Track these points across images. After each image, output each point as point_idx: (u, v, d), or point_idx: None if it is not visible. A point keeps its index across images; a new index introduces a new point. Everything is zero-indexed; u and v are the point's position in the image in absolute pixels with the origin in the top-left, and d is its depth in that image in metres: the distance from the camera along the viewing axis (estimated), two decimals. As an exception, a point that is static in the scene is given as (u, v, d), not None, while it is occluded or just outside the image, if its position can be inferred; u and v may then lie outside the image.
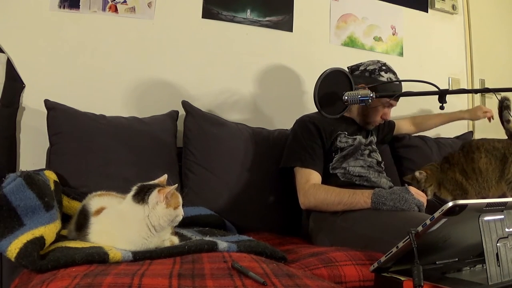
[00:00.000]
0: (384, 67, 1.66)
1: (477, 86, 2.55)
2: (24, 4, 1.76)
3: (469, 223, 0.88)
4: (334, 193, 1.46)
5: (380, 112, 1.67)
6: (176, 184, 1.06)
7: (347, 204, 1.43)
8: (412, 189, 1.40)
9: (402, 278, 0.94)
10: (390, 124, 1.98)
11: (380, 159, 1.70)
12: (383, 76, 1.62)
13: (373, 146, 1.69)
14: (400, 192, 1.38)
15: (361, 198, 1.41)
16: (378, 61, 1.68)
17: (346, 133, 1.64)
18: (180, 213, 1.06)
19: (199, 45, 2.01)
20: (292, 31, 2.17)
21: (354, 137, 1.64)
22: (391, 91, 1.59)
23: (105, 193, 1.19)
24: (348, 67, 1.71)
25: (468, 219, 0.87)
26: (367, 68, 1.66)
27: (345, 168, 1.58)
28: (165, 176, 1.13)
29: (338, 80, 1.45)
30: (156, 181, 1.11)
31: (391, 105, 1.69)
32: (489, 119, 2.03)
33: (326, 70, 1.50)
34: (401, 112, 2.21)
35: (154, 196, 1.02)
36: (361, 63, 1.70)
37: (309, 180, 1.52)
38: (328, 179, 1.57)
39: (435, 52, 2.49)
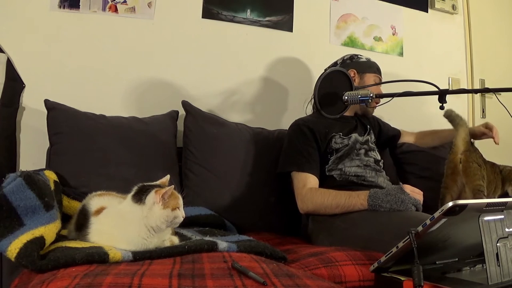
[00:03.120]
0: (357, 54, 1.82)
1: (477, 86, 2.55)
2: (24, 4, 1.77)
3: (469, 223, 0.88)
4: (330, 197, 1.45)
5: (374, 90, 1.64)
6: (173, 185, 1.05)
7: (344, 207, 1.43)
8: (408, 188, 1.39)
9: (402, 278, 0.94)
10: (395, 131, 1.95)
11: (378, 157, 1.70)
12: (362, 58, 1.78)
13: (370, 145, 1.69)
14: (396, 193, 1.37)
15: (358, 200, 1.40)
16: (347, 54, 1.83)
17: (341, 133, 1.64)
18: (179, 214, 1.05)
19: (199, 45, 2.01)
20: (292, 31, 2.17)
21: (349, 136, 1.64)
22: (374, 68, 1.77)
23: (105, 193, 1.19)
24: (326, 69, 1.71)
25: (468, 219, 0.87)
26: (345, 57, 1.80)
27: (341, 169, 1.58)
28: (168, 177, 1.13)
29: (338, 80, 1.45)
30: (158, 182, 1.10)
31: (380, 80, 1.78)
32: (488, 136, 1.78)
33: (326, 70, 1.51)
34: (401, 111, 2.21)
35: (151, 196, 1.02)
36: (334, 61, 1.83)
37: (306, 185, 1.52)
38: (325, 181, 1.57)
39: (435, 52, 2.49)
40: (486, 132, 1.74)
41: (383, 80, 1.76)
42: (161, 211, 1.01)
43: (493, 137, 1.72)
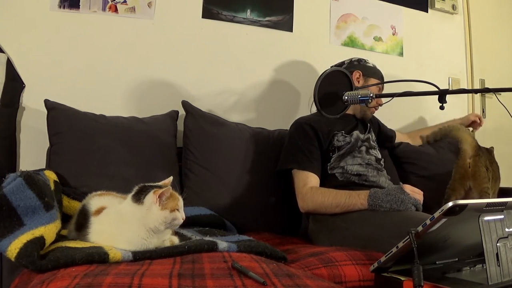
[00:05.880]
0: (364, 58, 1.82)
1: (477, 86, 2.55)
2: (24, 4, 1.76)
3: (469, 223, 0.88)
4: (331, 196, 1.46)
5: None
6: (169, 187, 1.04)
7: (344, 206, 1.43)
8: (408, 188, 1.39)
9: (402, 278, 0.94)
10: (392, 132, 1.98)
11: (379, 156, 1.70)
12: (369, 63, 1.80)
13: (371, 142, 1.69)
14: (396, 193, 1.37)
15: (358, 200, 1.41)
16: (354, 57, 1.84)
17: (343, 131, 1.65)
18: (178, 216, 1.03)
19: (199, 45, 2.01)
20: (292, 31, 2.17)
21: (351, 133, 1.65)
22: (379, 74, 1.78)
23: (106, 193, 1.19)
24: (332, 66, 1.73)
25: (468, 219, 0.87)
26: (353, 59, 1.80)
27: (343, 167, 1.58)
28: (171, 178, 1.12)
29: (338, 80, 1.45)
30: (160, 183, 1.10)
31: (383, 88, 1.79)
32: (478, 125, 2.04)
33: (326, 70, 1.51)
34: (401, 111, 2.21)
35: (149, 197, 1.01)
36: (341, 61, 1.83)
37: (306, 184, 1.52)
38: (326, 179, 1.57)
39: (435, 52, 2.49)
40: (475, 119, 1.94)
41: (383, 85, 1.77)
42: (159, 212, 1.01)
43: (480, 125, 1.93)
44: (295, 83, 2.16)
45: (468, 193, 1.67)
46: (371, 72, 1.76)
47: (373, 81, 1.75)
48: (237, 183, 1.68)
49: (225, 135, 1.75)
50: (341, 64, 1.81)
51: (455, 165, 1.73)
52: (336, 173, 1.59)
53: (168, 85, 1.94)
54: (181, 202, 1.06)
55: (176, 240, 1.12)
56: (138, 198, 1.02)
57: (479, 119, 2.04)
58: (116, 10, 1.89)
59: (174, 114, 1.81)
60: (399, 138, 2.02)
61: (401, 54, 2.41)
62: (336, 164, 1.59)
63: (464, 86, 2.54)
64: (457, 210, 0.83)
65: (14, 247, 0.90)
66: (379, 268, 0.99)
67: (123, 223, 1.03)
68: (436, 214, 0.84)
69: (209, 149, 1.71)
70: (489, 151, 1.76)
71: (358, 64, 1.77)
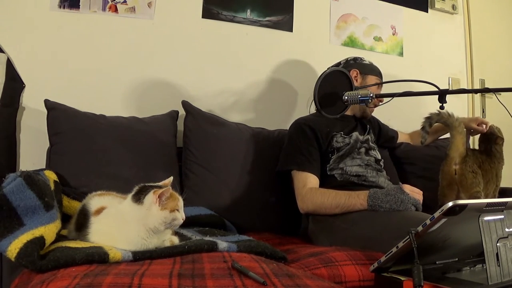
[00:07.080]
0: (360, 56, 1.82)
1: (477, 86, 2.55)
2: (24, 4, 1.76)
3: (469, 223, 0.88)
4: (330, 197, 1.46)
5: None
6: (169, 187, 1.04)
7: (344, 207, 1.43)
8: (407, 188, 1.39)
9: (402, 278, 0.94)
10: (393, 132, 1.98)
11: (379, 157, 1.70)
12: (365, 61, 1.80)
13: (370, 144, 1.69)
14: (395, 193, 1.37)
15: (357, 200, 1.41)
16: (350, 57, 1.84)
17: (342, 132, 1.65)
18: (178, 217, 1.03)
19: (199, 45, 2.01)
20: (292, 31, 2.17)
21: (350, 135, 1.65)
22: (376, 71, 1.78)
23: (106, 193, 1.19)
24: (329, 67, 1.72)
25: (468, 219, 0.87)
26: (349, 58, 1.80)
27: (342, 169, 1.58)
28: (171, 179, 1.12)
29: (338, 80, 1.46)
30: (160, 183, 1.10)
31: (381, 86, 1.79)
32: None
33: (326, 70, 1.51)
34: (401, 112, 2.21)
35: (149, 197, 1.01)
36: (338, 62, 1.83)
37: (306, 184, 1.53)
38: (326, 180, 1.57)
39: (435, 52, 2.49)
40: (479, 130, 1.75)
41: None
42: (158, 212, 1.01)
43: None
44: (295, 83, 2.16)
45: (458, 197, 1.63)
46: (368, 69, 1.77)
47: (371, 78, 1.74)
48: (237, 183, 1.68)
49: (225, 135, 1.75)
50: (337, 64, 1.81)
51: (440, 171, 1.66)
52: (335, 174, 1.59)
53: (168, 85, 1.94)
54: (181, 202, 1.06)
55: (176, 240, 1.12)
56: (138, 198, 1.02)
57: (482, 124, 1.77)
58: (116, 10, 1.89)
59: (174, 114, 1.81)
60: (401, 138, 2.02)
61: (401, 54, 2.41)
62: (336, 165, 1.59)
63: (464, 86, 2.54)
64: (457, 210, 0.83)
65: (14, 247, 0.90)
66: (379, 268, 0.99)
67: (123, 223, 1.03)
68: (436, 214, 0.84)
69: (209, 149, 1.71)
70: (479, 151, 1.73)
71: (355, 63, 1.77)
